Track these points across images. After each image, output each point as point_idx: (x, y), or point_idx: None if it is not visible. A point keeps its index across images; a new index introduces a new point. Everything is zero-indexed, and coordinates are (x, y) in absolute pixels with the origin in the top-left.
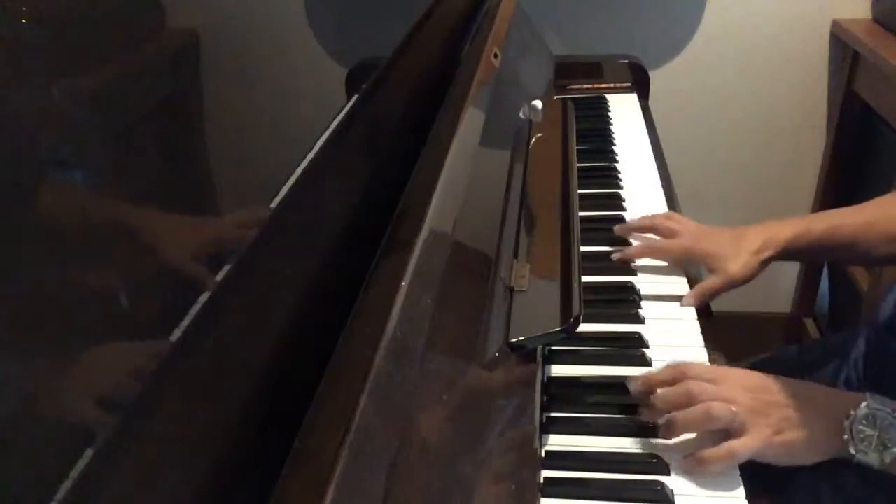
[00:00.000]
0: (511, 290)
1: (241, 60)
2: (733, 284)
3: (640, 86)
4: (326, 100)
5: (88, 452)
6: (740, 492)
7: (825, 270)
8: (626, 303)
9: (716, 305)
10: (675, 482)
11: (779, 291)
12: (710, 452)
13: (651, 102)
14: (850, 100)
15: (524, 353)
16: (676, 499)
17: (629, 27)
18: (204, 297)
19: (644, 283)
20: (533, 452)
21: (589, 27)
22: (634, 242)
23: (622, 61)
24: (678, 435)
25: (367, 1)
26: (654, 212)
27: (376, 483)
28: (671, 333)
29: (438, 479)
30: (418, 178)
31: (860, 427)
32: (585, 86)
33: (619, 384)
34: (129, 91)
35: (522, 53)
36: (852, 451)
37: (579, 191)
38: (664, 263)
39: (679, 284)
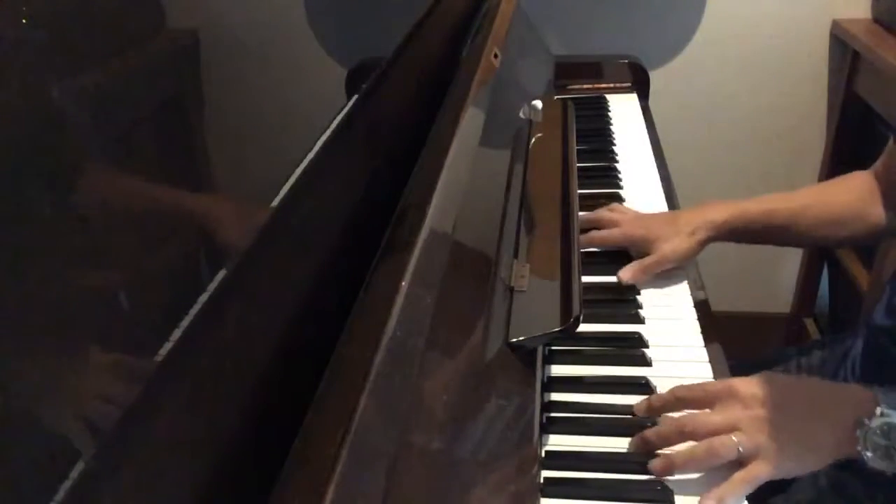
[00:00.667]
0: (511, 290)
1: (241, 60)
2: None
3: (640, 86)
4: (326, 100)
5: (89, 452)
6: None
7: (825, 270)
8: (626, 303)
9: (716, 305)
10: (675, 482)
11: (779, 291)
12: (724, 490)
13: (651, 102)
14: (850, 100)
15: (524, 353)
16: (676, 499)
17: (629, 27)
18: (204, 298)
19: (644, 283)
20: (533, 452)
21: (589, 27)
22: None
23: (622, 61)
24: (679, 474)
25: (367, 1)
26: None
27: (376, 483)
28: (671, 333)
29: (438, 479)
30: (418, 178)
31: (874, 438)
32: (585, 86)
33: (619, 384)
34: (129, 91)
35: (522, 53)
36: (867, 458)
37: (579, 191)
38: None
39: (679, 285)
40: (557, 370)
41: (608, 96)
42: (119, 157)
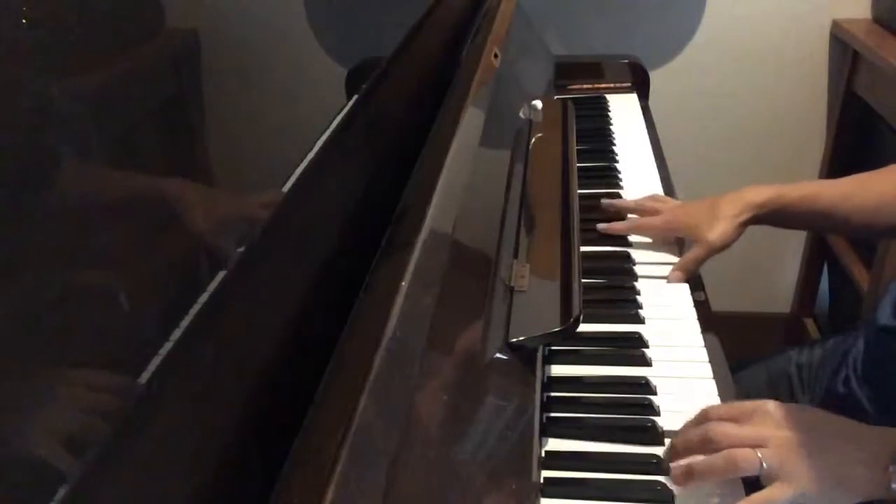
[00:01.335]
0: (511, 290)
1: (241, 60)
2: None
3: (640, 86)
4: (326, 100)
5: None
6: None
7: (825, 270)
8: (626, 303)
9: (716, 305)
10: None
11: (779, 291)
12: None
13: (651, 102)
14: (850, 100)
15: (524, 353)
16: (676, 499)
17: (629, 27)
18: (204, 298)
19: (644, 283)
20: (533, 452)
21: (589, 27)
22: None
23: (622, 61)
24: (696, 483)
25: (367, 1)
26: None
27: (376, 483)
28: (671, 333)
29: (438, 479)
30: (418, 178)
31: None
32: (585, 86)
33: (619, 384)
34: (129, 91)
35: (522, 53)
36: None
37: (579, 191)
38: (664, 265)
39: (679, 285)
40: (557, 370)
41: (608, 96)
42: (119, 156)
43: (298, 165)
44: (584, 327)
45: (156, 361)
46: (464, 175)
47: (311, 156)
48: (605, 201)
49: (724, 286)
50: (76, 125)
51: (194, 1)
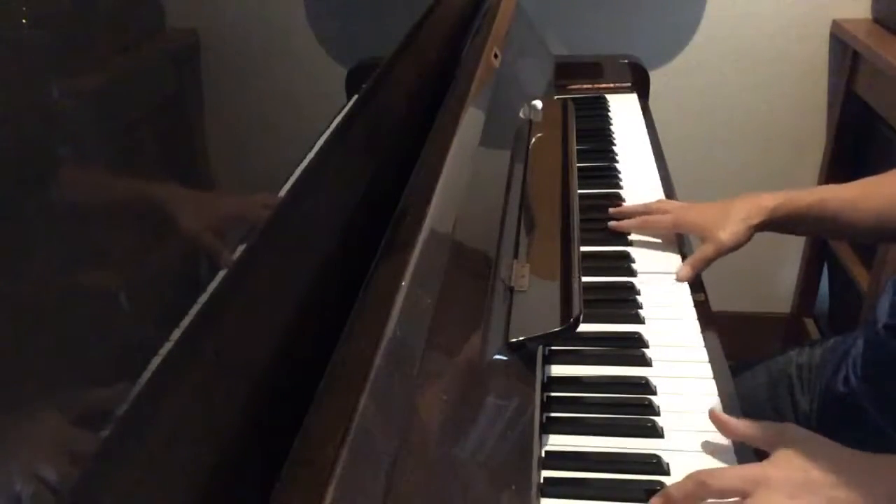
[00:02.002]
0: (511, 290)
1: (241, 60)
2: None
3: (640, 86)
4: (326, 100)
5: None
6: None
7: (825, 270)
8: (626, 303)
9: (716, 305)
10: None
11: (779, 291)
12: None
13: (651, 102)
14: (850, 100)
15: (524, 353)
16: None
17: (629, 27)
18: (203, 298)
19: (644, 283)
20: (533, 452)
21: (589, 27)
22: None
23: (622, 61)
24: None
25: (367, 1)
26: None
27: (376, 483)
28: (671, 333)
29: (438, 479)
30: (418, 178)
31: None
32: (585, 86)
33: (619, 384)
34: (129, 91)
35: (522, 53)
36: None
37: (579, 191)
38: (664, 265)
39: (679, 285)
40: (557, 370)
41: (608, 96)
42: (119, 156)
43: (298, 165)
44: (584, 327)
45: (155, 361)
46: (464, 175)
47: (311, 156)
48: (612, 210)
49: (724, 286)
50: (76, 125)
51: (194, 1)
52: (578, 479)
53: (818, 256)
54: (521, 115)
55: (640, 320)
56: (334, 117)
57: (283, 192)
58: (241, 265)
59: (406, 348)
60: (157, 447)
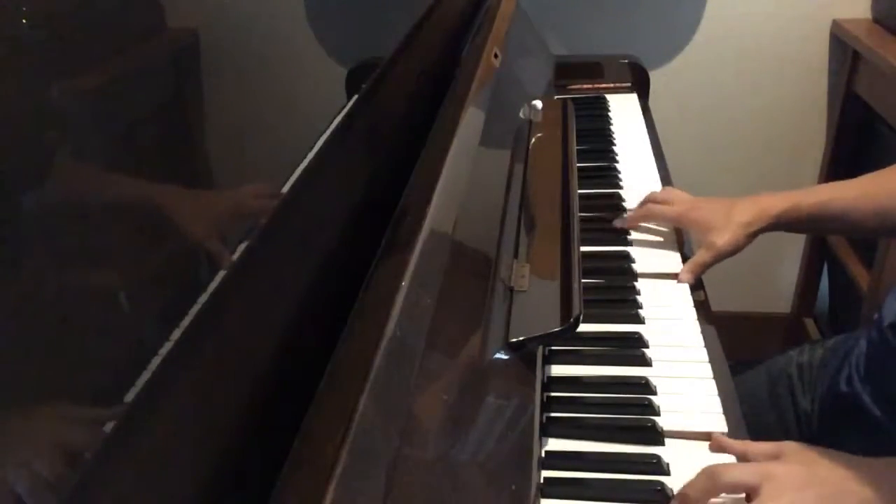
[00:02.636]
0: (511, 290)
1: (241, 60)
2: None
3: (640, 86)
4: (326, 100)
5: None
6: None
7: (825, 270)
8: (626, 303)
9: (716, 305)
10: (675, 482)
11: (779, 291)
12: None
13: (651, 102)
14: (850, 100)
15: (524, 353)
16: None
17: (629, 27)
18: (204, 298)
19: (644, 283)
20: (532, 452)
21: (589, 27)
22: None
23: (622, 61)
24: None
25: (367, 1)
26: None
27: (376, 483)
28: (671, 333)
29: (438, 479)
30: (418, 178)
31: None
32: (585, 86)
33: (619, 384)
34: (129, 91)
35: (522, 53)
36: None
37: (579, 191)
38: (664, 265)
39: (679, 285)
40: (557, 370)
41: (608, 96)
42: (119, 156)
43: (298, 165)
44: (584, 327)
45: (155, 361)
46: (464, 175)
47: (311, 156)
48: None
49: (724, 286)
50: (76, 125)
51: (194, 1)
52: (578, 479)
53: (818, 256)
54: (521, 115)
55: (640, 320)
56: (334, 117)
57: (283, 192)
58: (241, 265)
59: (406, 348)
60: (157, 447)
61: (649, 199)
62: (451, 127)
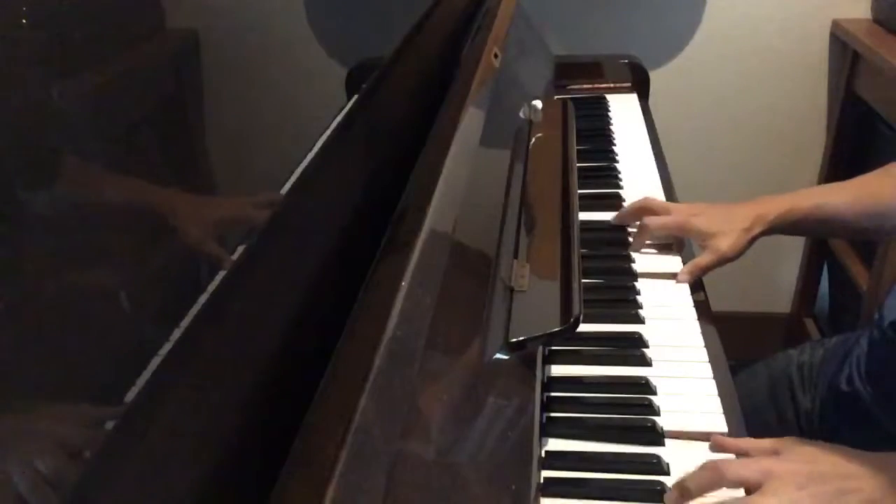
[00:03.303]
0: (511, 290)
1: (241, 60)
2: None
3: (640, 86)
4: (326, 100)
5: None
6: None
7: (825, 270)
8: (626, 303)
9: (716, 305)
10: (689, 473)
11: (779, 291)
12: None
13: (651, 102)
14: (850, 100)
15: (524, 353)
16: None
17: (629, 27)
18: (204, 298)
19: (644, 283)
20: (533, 452)
21: (589, 27)
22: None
23: (622, 61)
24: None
25: (367, 1)
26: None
27: (376, 483)
28: (671, 333)
29: (438, 479)
30: (418, 178)
31: None
32: (585, 86)
33: (619, 384)
34: (129, 91)
35: (522, 53)
36: None
37: (579, 191)
38: (664, 265)
39: (679, 285)
40: (557, 370)
41: (608, 96)
42: (119, 156)
43: (298, 165)
44: (584, 327)
45: (155, 362)
46: (464, 175)
47: (311, 156)
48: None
49: (724, 286)
50: (75, 125)
51: (194, 1)
52: (578, 479)
53: (818, 256)
54: (521, 115)
55: (640, 320)
56: (334, 117)
57: (283, 193)
58: (241, 265)
59: (406, 348)
60: (157, 447)
61: (646, 208)
62: (451, 127)
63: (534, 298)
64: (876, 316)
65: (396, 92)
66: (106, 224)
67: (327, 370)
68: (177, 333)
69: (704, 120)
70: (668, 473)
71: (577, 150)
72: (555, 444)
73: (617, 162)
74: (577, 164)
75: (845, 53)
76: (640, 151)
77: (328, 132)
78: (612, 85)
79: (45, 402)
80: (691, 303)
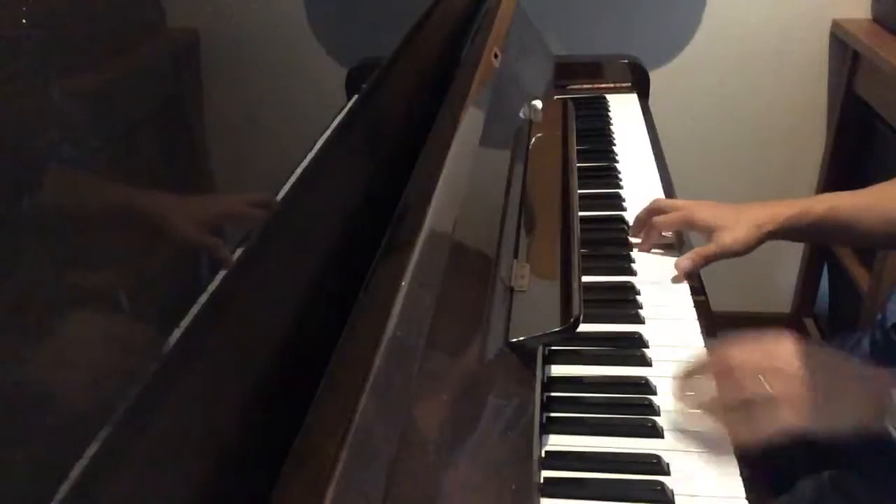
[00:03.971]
0: (511, 290)
1: (241, 60)
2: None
3: (640, 86)
4: (326, 100)
5: (88, 451)
6: (740, 492)
7: (825, 270)
8: (626, 303)
9: (716, 305)
10: (674, 482)
11: (779, 291)
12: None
13: (651, 102)
14: (850, 100)
15: (524, 353)
16: (676, 499)
17: (629, 27)
18: (203, 298)
19: (644, 283)
20: (532, 452)
21: (589, 27)
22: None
23: (622, 61)
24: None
25: (367, 1)
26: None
27: (376, 483)
28: (671, 333)
29: (438, 479)
30: (418, 178)
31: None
32: (585, 86)
33: (619, 384)
34: (129, 91)
35: (522, 53)
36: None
37: (579, 191)
38: (664, 265)
39: (679, 285)
40: (557, 370)
41: (608, 96)
42: (119, 156)
43: (298, 165)
44: (584, 327)
45: (156, 361)
46: (464, 175)
47: (310, 156)
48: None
49: (724, 286)
50: (75, 125)
51: (194, 1)
52: (578, 479)
53: (818, 256)
54: (521, 115)
55: (640, 320)
56: (334, 117)
57: (283, 193)
58: (241, 265)
59: (406, 348)
60: (157, 446)
61: (655, 210)
62: (451, 127)
63: (534, 298)
64: (878, 317)
65: (396, 92)
66: (105, 224)
67: (327, 370)
68: (177, 333)
69: (704, 120)
70: (668, 473)
71: (577, 150)
72: (555, 444)
73: (617, 162)
74: (578, 164)
75: (845, 53)
76: (640, 151)
77: (328, 132)
78: (612, 85)
79: (46, 403)
80: (691, 303)
